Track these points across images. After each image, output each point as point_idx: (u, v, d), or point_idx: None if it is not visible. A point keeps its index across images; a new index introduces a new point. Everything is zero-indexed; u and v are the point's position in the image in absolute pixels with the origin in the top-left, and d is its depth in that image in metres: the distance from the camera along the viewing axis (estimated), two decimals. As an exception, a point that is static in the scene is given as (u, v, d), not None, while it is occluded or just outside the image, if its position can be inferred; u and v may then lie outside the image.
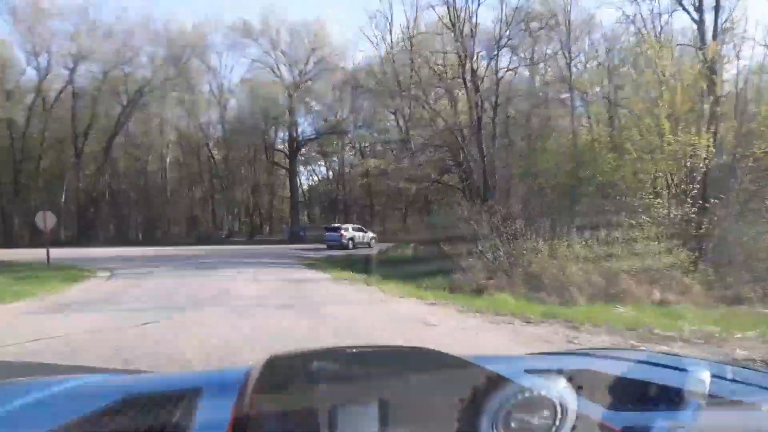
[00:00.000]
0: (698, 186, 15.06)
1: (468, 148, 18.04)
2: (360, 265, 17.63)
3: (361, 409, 0.89)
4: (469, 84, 18.18)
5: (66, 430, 0.98)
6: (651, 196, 15.22)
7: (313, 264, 19.41)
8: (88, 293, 10.30)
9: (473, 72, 17.23)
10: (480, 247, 12.73)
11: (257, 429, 0.88)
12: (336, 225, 29.35)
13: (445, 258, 17.88)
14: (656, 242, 12.39)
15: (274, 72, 43.14)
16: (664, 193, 15.38)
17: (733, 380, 1.25)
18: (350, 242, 26.83)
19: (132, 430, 0.97)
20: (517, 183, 19.73)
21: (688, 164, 15.02)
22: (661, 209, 14.60)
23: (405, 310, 8.10)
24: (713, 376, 1.12)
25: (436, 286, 12.39)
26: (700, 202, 14.52)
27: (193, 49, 41.60)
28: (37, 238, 39.49)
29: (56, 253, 26.01)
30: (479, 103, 17.65)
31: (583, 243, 11.90)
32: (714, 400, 1.07)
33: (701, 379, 1.07)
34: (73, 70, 38.98)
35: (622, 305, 9.59)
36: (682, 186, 15.03)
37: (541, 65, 24.21)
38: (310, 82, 42.73)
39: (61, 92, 40.90)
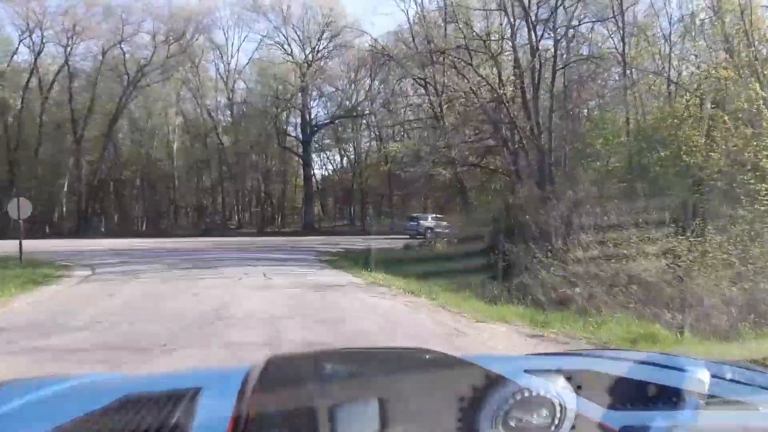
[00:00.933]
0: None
1: (519, 123, 15.00)
2: (387, 263, 14.79)
3: (361, 409, 0.86)
4: (519, 47, 15.17)
5: (66, 430, 0.95)
6: (752, 180, 12.17)
7: (333, 260, 16.57)
8: (35, 307, 7.50)
9: (532, 27, 14.12)
10: (559, 244, 9.76)
11: (257, 429, 0.85)
12: (416, 215, 30.68)
13: (488, 254, 15.18)
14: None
15: (284, 49, 40.13)
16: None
17: (733, 380, 1.20)
18: (428, 231, 26.29)
19: (132, 430, 0.92)
20: (576, 165, 16.70)
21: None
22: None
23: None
24: (713, 376, 1.11)
25: (498, 296, 9.50)
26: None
27: (197, 25, 38.66)
28: (36, 230, 37.26)
29: (47, 245, 23.66)
30: (539, 65, 14.53)
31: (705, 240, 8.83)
32: (713, 400, 1.05)
33: (701, 379, 1.07)
34: (67, 47, 36.18)
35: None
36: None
37: (591, 34, 20.97)
38: (323, 61, 39.72)
39: (58, 72, 38.24)
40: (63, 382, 1.32)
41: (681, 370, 1.16)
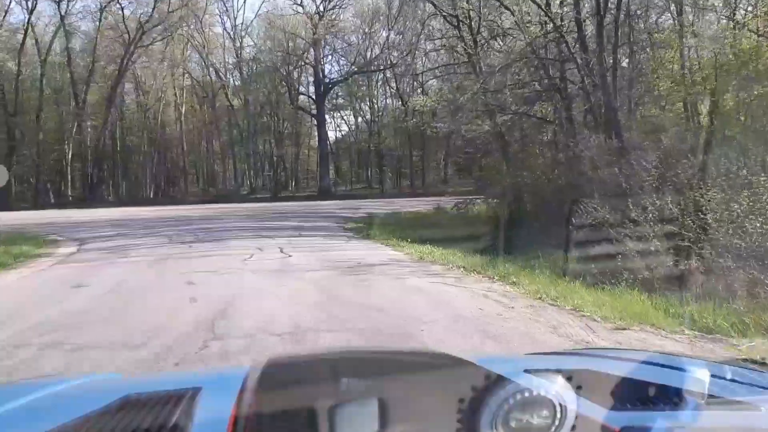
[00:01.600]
0: None
1: (579, 61, 12.43)
2: (422, 230, 12.60)
3: (361, 409, 0.85)
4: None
5: (66, 430, 0.93)
6: None
7: (359, 228, 14.43)
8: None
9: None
10: (658, 205, 7.45)
11: (257, 429, 0.85)
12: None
13: (539, 218, 13.20)
14: None
15: (293, -1, 37.18)
16: None
17: (733, 380, 1.19)
18: None
19: (132, 430, 0.91)
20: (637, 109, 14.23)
21: None
22: None
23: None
24: (713, 376, 1.09)
25: (582, 272, 7.35)
26: None
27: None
28: (41, 200, 35.71)
29: (46, 216, 22.06)
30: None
31: None
32: (714, 400, 1.02)
33: (701, 378, 1.06)
34: (61, 2, 33.66)
35: None
36: None
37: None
38: (336, 12, 36.78)
39: (56, 32, 35.92)
40: (63, 383, 1.30)
41: (681, 369, 1.15)
